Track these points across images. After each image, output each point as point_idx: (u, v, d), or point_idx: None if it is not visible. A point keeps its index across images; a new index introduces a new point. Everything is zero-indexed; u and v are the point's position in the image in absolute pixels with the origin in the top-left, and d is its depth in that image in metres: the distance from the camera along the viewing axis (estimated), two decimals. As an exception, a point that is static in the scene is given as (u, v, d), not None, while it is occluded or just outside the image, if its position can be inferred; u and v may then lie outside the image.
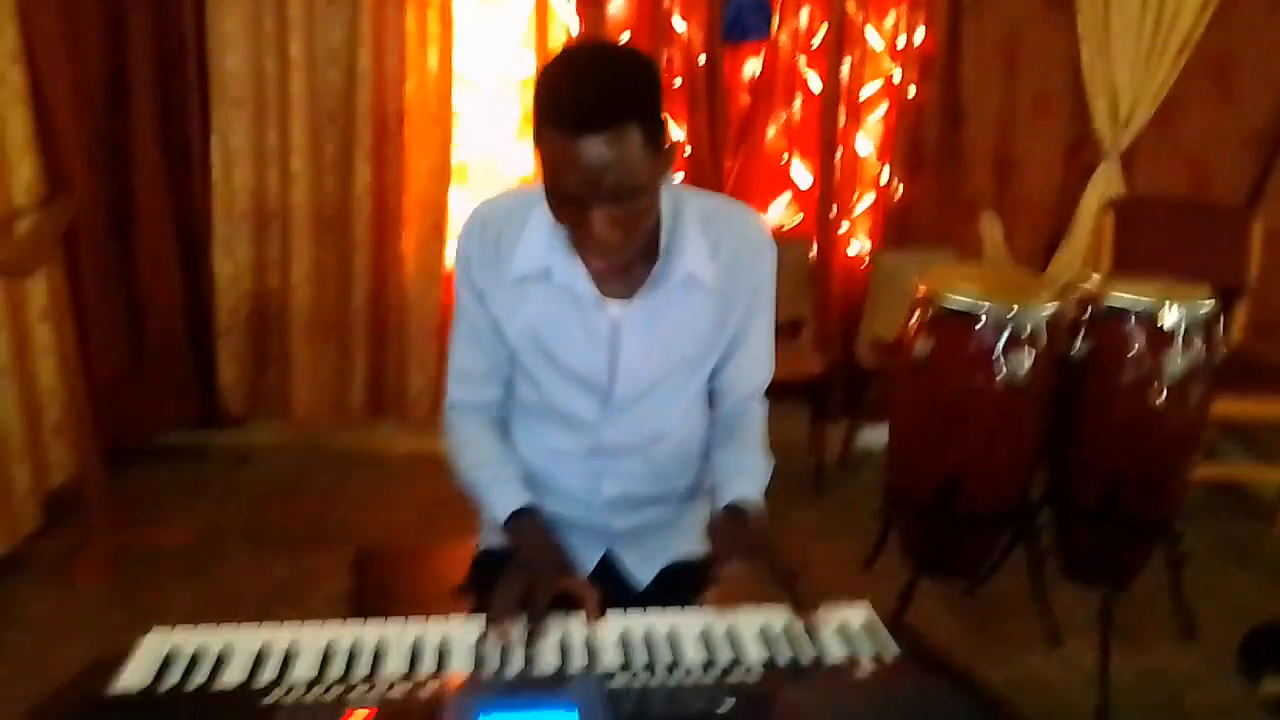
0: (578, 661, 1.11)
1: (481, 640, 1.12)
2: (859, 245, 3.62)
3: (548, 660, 1.11)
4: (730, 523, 1.33)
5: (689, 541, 1.54)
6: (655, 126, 1.14)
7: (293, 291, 3.32)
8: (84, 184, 2.88)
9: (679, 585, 1.49)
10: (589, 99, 1.09)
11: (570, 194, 1.14)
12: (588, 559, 1.50)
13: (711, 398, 1.52)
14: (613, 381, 1.37)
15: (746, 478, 1.40)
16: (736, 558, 1.25)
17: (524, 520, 1.34)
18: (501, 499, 1.36)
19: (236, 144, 3.18)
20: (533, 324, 1.36)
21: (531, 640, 1.12)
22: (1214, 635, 2.60)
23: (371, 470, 3.42)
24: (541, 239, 1.31)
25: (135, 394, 3.24)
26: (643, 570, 1.51)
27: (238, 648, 1.11)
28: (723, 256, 1.35)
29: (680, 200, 1.34)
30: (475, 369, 1.45)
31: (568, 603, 1.19)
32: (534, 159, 1.25)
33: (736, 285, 1.38)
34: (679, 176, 3.42)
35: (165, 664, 1.08)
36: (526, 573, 1.20)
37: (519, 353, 1.40)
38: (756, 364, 1.48)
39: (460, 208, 3.29)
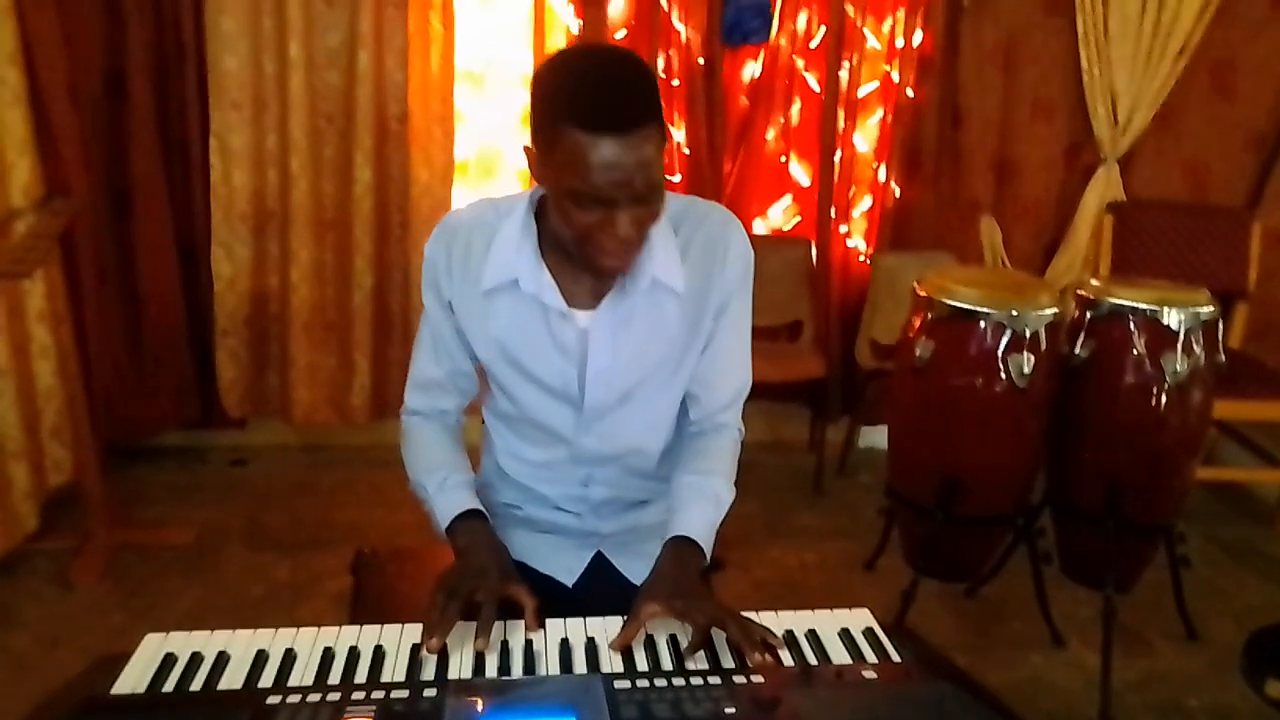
0: (578, 666, 1.11)
1: (416, 648, 1.12)
2: (858, 247, 3.62)
3: (549, 664, 1.11)
4: (666, 561, 1.28)
5: None
6: (664, 128, 1.15)
7: (292, 292, 3.31)
8: (82, 185, 2.87)
9: None
10: (621, 100, 1.10)
11: (601, 196, 1.12)
12: (579, 562, 1.50)
13: (683, 404, 1.46)
14: (583, 391, 1.36)
15: (701, 507, 1.35)
16: (658, 602, 1.18)
17: (467, 525, 1.34)
18: (446, 504, 1.36)
19: (235, 145, 3.18)
20: (502, 337, 1.35)
21: (477, 641, 1.12)
22: (1216, 637, 2.61)
23: (372, 472, 3.41)
24: (510, 249, 1.30)
25: (134, 395, 3.23)
26: (634, 569, 1.48)
27: (236, 651, 1.11)
28: (693, 258, 1.34)
29: None
30: (433, 377, 1.45)
31: (511, 610, 1.20)
32: (530, 160, 1.21)
33: (708, 287, 1.35)
34: (674, 179, 3.42)
35: (165, 666, 1.08)
36: (469, 579, 1.20)
37: (490, 365, 1.40)
38: (729, 368, 1.43)
39: (463, 204, 3.29)
